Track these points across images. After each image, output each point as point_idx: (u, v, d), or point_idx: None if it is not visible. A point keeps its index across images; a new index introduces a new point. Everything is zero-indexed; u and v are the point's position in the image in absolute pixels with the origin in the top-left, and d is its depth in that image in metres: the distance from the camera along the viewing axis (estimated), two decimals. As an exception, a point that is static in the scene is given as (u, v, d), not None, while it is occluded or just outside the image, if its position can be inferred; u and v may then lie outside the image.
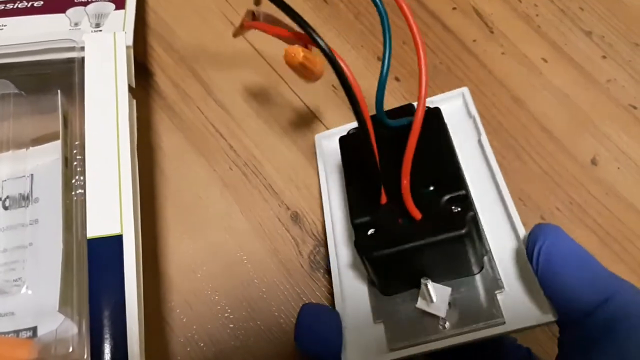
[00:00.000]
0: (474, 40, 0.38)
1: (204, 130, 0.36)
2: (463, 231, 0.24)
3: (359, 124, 0.24)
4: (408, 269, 0.26)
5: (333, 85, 0.37)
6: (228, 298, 0.32)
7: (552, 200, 0.34)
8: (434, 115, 0.29)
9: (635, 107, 0.36)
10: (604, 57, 0.38)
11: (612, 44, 0.38)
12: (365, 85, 0.37)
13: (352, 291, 0.28)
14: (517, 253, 0.26)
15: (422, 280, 0.25)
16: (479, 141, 0.31)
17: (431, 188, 0.26)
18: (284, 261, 0.32)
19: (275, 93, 0.37)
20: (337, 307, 0.28)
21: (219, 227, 0.33)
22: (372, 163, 0.26)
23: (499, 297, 0.25)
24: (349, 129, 0.31)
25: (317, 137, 0.35)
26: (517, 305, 0.25)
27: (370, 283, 0.28)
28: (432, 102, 0.32)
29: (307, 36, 0.23)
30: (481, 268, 0.26)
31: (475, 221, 0.25)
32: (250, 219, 0.33)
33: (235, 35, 0.29)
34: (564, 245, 0.24)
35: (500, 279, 0.26)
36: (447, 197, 0.25)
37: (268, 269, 0.32)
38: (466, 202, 0.25)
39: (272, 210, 0.33)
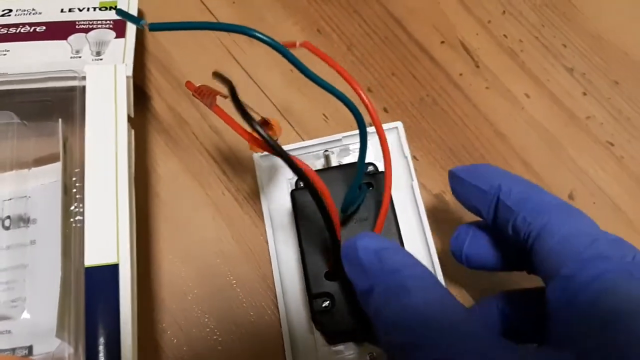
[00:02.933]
0: (460, 74, 0.40)
1: (198, 155, 0.37)
2: None
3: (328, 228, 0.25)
4: (356, 336, 0.30)
5: (324, 114, 0.38)
6: (218, 320, 0.33)
7: (529, 233, 0.35)
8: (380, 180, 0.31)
9: (612, 144, 0.38)
10: (584, 93, 0.40)
11: (592, 81, 0.40)
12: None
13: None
14: None
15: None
16: (411, 186, 0.34)
17: None
18: (272, 286, 0.34)
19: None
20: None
21: (211, 251, 0.35)
22: (335, 249, 0.27)
23: None
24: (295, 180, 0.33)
25: (255, 156, 0.35)
26: None
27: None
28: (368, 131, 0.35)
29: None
30: None
31: None
32: (241, 244, 0.35)
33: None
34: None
35: None
36: None
37: (257, 293, 0.34)
38: None
39: (262, 236, 0.35)
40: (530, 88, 0.40)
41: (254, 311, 0.33)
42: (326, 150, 0.35)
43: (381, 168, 0.31)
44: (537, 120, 0.39)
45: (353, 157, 0.35)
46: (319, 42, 0.41)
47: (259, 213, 0.35)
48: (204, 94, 0.26)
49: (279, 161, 0.34)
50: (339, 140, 0.35)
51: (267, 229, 0.34)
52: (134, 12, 0.37)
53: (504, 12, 0.42)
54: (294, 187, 0.33)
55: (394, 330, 0.22)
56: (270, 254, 0.33)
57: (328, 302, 0.29)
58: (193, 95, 0.27)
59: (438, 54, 0.40)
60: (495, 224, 0.26)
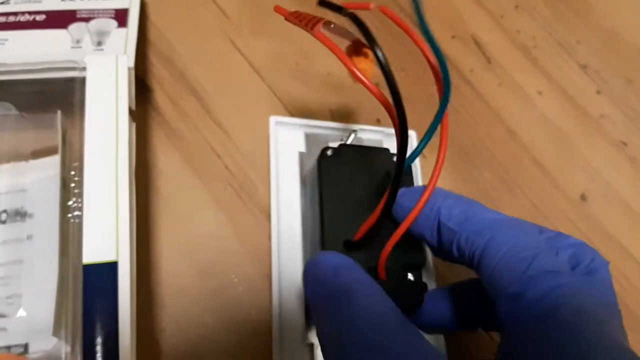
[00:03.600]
0: (472, 70, 0.39)
1: (200, 149, 0.36)
2: (417, 303, 0.27)
3: (399, 146, 0.24)
4: None
5: (330, 109, 0.37)
6: (218, 319, 0.32)
7: (540, 234, 0.34)
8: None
9: (625, 144, 0.37)
10: (598, 92, 0.39)
11: (606, 79, 0.39)
12: (361, 112, 0.37)
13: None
14: None
15: None
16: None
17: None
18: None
19: (273, 114, 0.37)
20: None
21: (212, 248, 0.34)
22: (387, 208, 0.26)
23: None
24: (328, 145, 0.31)
25: (272, 119, 0.34)
26: None
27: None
28: (382, 131, 0.35)
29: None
30: None
31: None
32: (243, 242, 0.34)
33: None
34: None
35: None
36: (405, 262, 0.28)
37: (258, 292, 0.33)
38: (420, 272, 0.28)
39: (265, 234, 0.34)
40: (543, 85, 0.39)
41: (256, 310, 0.32)
42: (354, 130, 0.34)
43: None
44: (550, 118, 0.38)
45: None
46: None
47: (262, 210, 0.34)
48: (303, 19, 0.25)
49: (295, 132, 0.34)
50: (355, 131, 0.34)
51: (272, 201, 0.33)
52: (136, 3, 0.36)
53: (516, 6, 0.41)
54: (322, 155, 0.31)
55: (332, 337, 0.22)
56: (272, 230, 0.32)
57: None
58: (287, 19, 0.26)
59: (449, 49, 0.39)
60: (440, 246, 0.26)
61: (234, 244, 0.34)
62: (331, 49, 0.24)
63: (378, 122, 0.37)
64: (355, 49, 0.26)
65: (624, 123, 0.38)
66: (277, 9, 0.27)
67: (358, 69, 0.24)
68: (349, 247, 0.28)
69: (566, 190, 0.36)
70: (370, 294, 0.22)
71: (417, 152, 0.27)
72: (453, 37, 0.40)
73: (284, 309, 0.31)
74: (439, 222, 0.25)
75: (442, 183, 0.35)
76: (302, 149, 0.34)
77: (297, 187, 0.33)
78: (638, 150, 0.37)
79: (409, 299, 0.27)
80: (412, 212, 0.25)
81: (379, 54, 0.22)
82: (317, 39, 0.24)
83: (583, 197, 0.36)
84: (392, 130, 0.34)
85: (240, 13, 0.40)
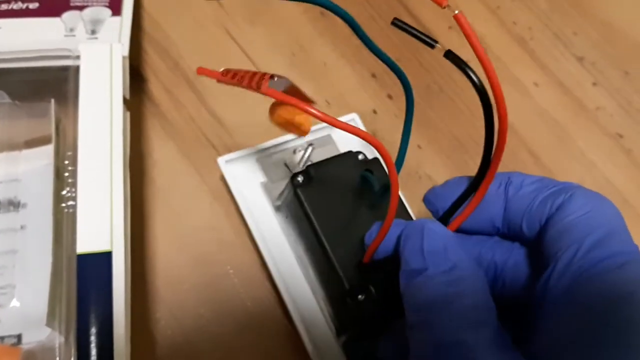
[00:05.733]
0: (468, 61, 0.38)
1: (195, 139, 0.36)
2: None
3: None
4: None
5: (326, 101, 0.37)
6: (213, 311, 0.32)
7: (536, 226, 0.34)
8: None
9: (621, 136, 0.37)
10: (594, 84, 0.39)
11: (603, 71, 0.39)
12: (357, 103, 0.37)
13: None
14: None
15: None
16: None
17: None
18: (270, 276, 0.32)
19: (269, 105, 0.37)
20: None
21: (207, 239, 0.33)
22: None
23: None
24: (295, 172, 0.30)
25: (220, 160, 0.33)
26: None
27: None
28: (328, 126, 0.33)
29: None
30: None
31: None
32: (239, 233, 0.34)
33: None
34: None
35: None
36: None
37: (254, 283, 0.33)
38: None
39: (261, 225, 0.34)
40: (540, 77, 0.38)
41: (251, 302, 0.32)
42: (311, 144, 0.33)
43: (370, 156, 0.30)
44: (546, 110, 0.38)
45: (326, 151, 0.34)
46: (322, 25, 0.39)
47: (258, 201, 0.34)
48: (242, 78, 0.24)
49: (248, 164, 0.33)
50: (312, 144, 0.33)
51: (256, 239, 0.31)
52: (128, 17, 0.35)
53: (513, -3, 0.41)
54: (294, 184, 0.30)
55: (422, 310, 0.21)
56: (269, 267, 0.31)
57: (364, 294, 0.27)
58: (219, 81, 0.24)
59: (445, 40, 0.39)
60: (506, 222, 0.24)
61: (230, 235, 0.34)
62: (287, 102, 0.22)
63: (389, 98, 0.37)
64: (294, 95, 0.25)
65: (620, 115, 0.38)
66: (202, 72, 0.24)
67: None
68: (363, 269, 0.27)
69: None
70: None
71: (400, 161, 0.26)
72: (450, 28, 0.39)
73: (315, 339, 0.30)
74: (506, 193, 0.24)
75: (438, 174, 0.35)
76: (262, 178, 0.33)
77: (274, 219, 0.32)
78: (634, 143, 0.37)
79: None
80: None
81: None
82: (268, 95, 0.22)
83: (579, 189, 0.36)
84: None
85: (236, 2, 0.39)
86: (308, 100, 0.23)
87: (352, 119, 0.34)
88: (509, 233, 0.24)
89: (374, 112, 0.37)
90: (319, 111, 0.21)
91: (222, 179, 0.33)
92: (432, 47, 0.21)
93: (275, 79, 0.22)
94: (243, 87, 0.23)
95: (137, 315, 0.31)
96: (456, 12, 0.20)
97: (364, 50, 0.38)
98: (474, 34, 0.21)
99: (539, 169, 0.36)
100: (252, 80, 0.22)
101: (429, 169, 0.35)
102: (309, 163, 0.32)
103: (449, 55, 0.21)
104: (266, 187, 0.33)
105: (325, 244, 0.28)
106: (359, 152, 0.30)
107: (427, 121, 0.37)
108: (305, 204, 0.29)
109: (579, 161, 0.36)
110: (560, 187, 0.23)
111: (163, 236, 0.33)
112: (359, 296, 0.27)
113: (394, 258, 0.25)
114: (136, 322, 0.28)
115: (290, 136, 0.33)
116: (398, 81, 0.37)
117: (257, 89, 0.22)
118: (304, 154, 0.33)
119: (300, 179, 0.29)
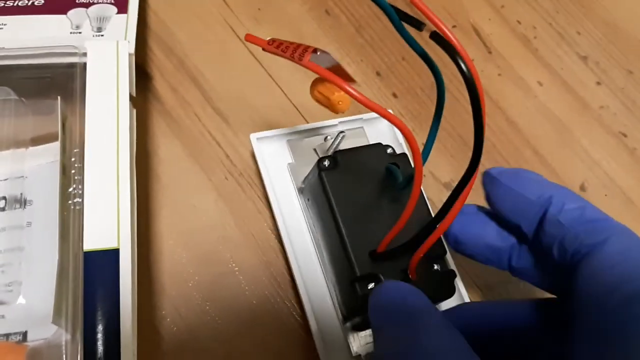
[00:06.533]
0: (472, 60, 0.39)
1: (200, 137, 0.36)
2: (452, 292, 0.28)
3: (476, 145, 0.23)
4: None
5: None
6: (219, 308, 0.32)
7: (540, 225, 0.35)
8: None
9: (625, 135, 0.37)
10: (598, 83, 0.39)
11: (606, 70, 0.39)
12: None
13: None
14: None
15: None
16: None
17: None
18: (275, 274, 0.33)
19: (274, 104, 0.37)
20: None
21: (212, 237, 0.33)
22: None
23: None
24: (322, 157, 0.31)
25: (252, 136, 0.33)
26: None
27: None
28: (360, 118, 0.34)
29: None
30: None
31: None
32: (244, 230, 0.34)
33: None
34: None
35: None
36: (428, 254, 0.27)
37: (259, 280, 0.33)
38: (444, 260, 0.29)
39: (266, 222, 0.34)
40: (543, 76, 0.39)
41: (257, 299, 0.32)
42: (342, 132, 0.34)
43: (398, 151, 0.31)
44: (550, 108, 0.38)
45: (356, 143, 0.34)
46: (327, 23, 0.39)
47: (262, 198, 0.34)
48: (286, 49, 0.23)
49: (278, 144, 0.34)
50: (335, 125, 0.34)
51: (277, 217, 0.32)
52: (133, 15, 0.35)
53: (517, -3, 0.41)
54: (320, 167, 0.30)
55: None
56: (285, 245, 0.31)
57: (374, 283, 0.27)
58: (265, 50, 0.24)
59: (449, 38, 0.39)
60: (536, 239, 0.24)
61: (234, 233, 0.34)
62: (326, 77, 0.22)
63: (394, 97, 0.37)
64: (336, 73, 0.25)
65: (624, 114, 0.38)
66: (250, 39, 0.25)
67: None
68: (376, 258, 0.28)
69: (566, 181, 0.36)
70: (439, 319, 0.21)
71: (426, 155, 0.26)
72: (454, 26, 0.40)
73: (321, 326, 0.30)
74: (546, 212, 0.24)
75: (442, 172, 0.35)
76: (290, 159, 0.34)
77: (295, 200, 0.33)
78: (637, 142, 0.37)
79: (441, 290, 0.28)
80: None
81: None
82: (309, 68, 0.23)
83: (582, 188, 0.36)
84: (371, 115, 0.34)
85: (241, 1, 0.40)
86: (349, 79, 0.24)
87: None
88: (532, 241, 0.25)
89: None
90: (355, 90, 0.21)
91: (252, 154, 0.34)
92: (420, 29, 0.21)
93: (318, 53, 0.23)
94: (286, 57, 0.23)
95: (143, 311, 0.31)
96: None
97: (369, 48, 0.39)
98: (435, 16, 0.21)
99: (543, 167, 0.36)
100: (296, 52, 0.23)
101: (433, 168, 0.35)
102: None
103: (435, 36, 0.21)
104: (292, 169, 0.33)
105: (342, 228, 0.28)
106: (388, 146, 0.31)
107: (431, 119, 0.37)
108: (328, 188, 0.29)
109: (582, 160, 0.36)
110: (600, 225, 0.22)
111: (168, 234, 0.33)
112: (369, 285, 0.27)
113: (409, 251, 0.25)
114: (142, 318, 0.28)
115: (323, 122, 0.34)
116: (403, 80, 0.38)
117: (299, 60, 0.23)
118: (334, 141, 0.33)
119: (326, 163, 0.29)
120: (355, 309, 0.28)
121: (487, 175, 0.26)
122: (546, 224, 0.23)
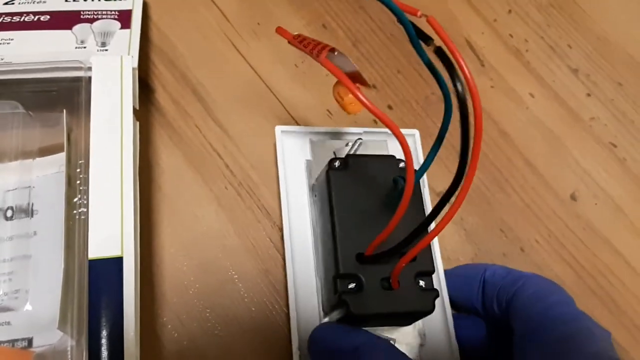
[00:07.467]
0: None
1: (201, 148, 0.37)
2: (430, 309, 0.28)
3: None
4: (374, 322, 0.30)
5: (328, 110, 0.38)
6: (219, 315, 0.33)
7: (532, 233, 0.36)
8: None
9: (615, 146, 0.38)
10: (589, 95, 0.40)
11: (597, 83, 0.40)
12: (358, 114, 0.38)
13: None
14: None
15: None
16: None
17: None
18: (273, 282, 0.33)
19: (273, 116, 0.38)
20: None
21: (213, 245, 0.34)
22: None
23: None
24: (333, 152, 0.33)
25: (277, 129, 0.35)
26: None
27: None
28: (385, 131, 0.35)
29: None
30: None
31: None
32: (243, 239, 0.35)
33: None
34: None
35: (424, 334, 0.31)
36: (416, 269, 0.29)
37: (258, 288, 0.33)
38: (431, 278, 0.29)
39: (265, 231, 0.35)
40: (535, 88, 0.40)
41: (255, 307, 0.33)
42: (360, 138, 0.35)
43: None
44: (541, 120, 0.39)
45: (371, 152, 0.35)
46: (324, 37, 0.40)
47: (262, 208, 0.35)
48: (307, 45, 0.26)
49: (300, 140, 0.35)
50: (360, 133, 0.35)
51: (283, 209, 0.33)
52: (139, 4, 0.37)
53: (510, 11, 0.42)
54: (330, 166, 0.32)
55: None
56: (285, 237, 0.33)
57: (355, 284, 0.28)
58: (290, 43, 0.27)
59: (444, 52, 0.40)
60: (483, 305, 0.31)
61: (234, 241, 0.35)
62: (337, 76, 0.24)
63: (375, 123, 0.38)
64: (352, 80, 0.26)
65: (614, 125, 0.39)
66: (280, 31, 0.27)
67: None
68: (362, 261, 0.29)
69: (557, 191, 0.37)
70: (378, 349, 0.26)
71: (425, 168, 0.27)
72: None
73: (301, 315, 0.31)
74: (484, 280, 0.31)
75: (436, 182, 0.36)
76: (309, 156, 0.35)
77: (305, 195, 0.34)
78: (627, 152, 0.38)
79: (421, 306, 0.28)
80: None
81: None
82: (324, 65, 0.24)
83: (573, 197, 0.37)
84: None
85: (240, 15, 0.41)
86: (363, 82, 0.25)
87: (413, 134, 0.36)
88: (482, 307, 0.31)
89: (375, 122, 0.38)
90: (361, 92, 0.23)
91: (274, 146, 0.36)
92: (428, 44, 0.23)
93: (336, 53, 0.24)
94: (306, 52, 0.26)
95: (144, 318, 0.32)
96: (425, 15, 0.21)
97: (365, 62, 0.40)
98: (446, 34, 0.22)
99: (534, 177, 0.37)
100: (315, 49, 0.25)
101: (428, 179, 0.36)
102: None
103: (439, 52, 0.22)
104: (309, 166, 0.35)
105: (337, 226, 0.29)
106: (401, 160, 0.32)
107: (426, 131, 0.38)
108: (332, 187, 0.30)
109: (573, 170, 0.37)
110: (517, 277, 0.30)
111: (170, 242, 0.34)
112: (350, 284, 0.28)
113: (394, 258, 0.27)
114: (144, 325, 0.29)
115: (348, 129, 0.35)
116: (398, 92, 0.39)
117: (316, 57, 0.25)
118: (353, 147, 0.34)
119: (337, 164, 0.31)
120: (334, 305, 0.30)
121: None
122: (485, 289, 0.31)
